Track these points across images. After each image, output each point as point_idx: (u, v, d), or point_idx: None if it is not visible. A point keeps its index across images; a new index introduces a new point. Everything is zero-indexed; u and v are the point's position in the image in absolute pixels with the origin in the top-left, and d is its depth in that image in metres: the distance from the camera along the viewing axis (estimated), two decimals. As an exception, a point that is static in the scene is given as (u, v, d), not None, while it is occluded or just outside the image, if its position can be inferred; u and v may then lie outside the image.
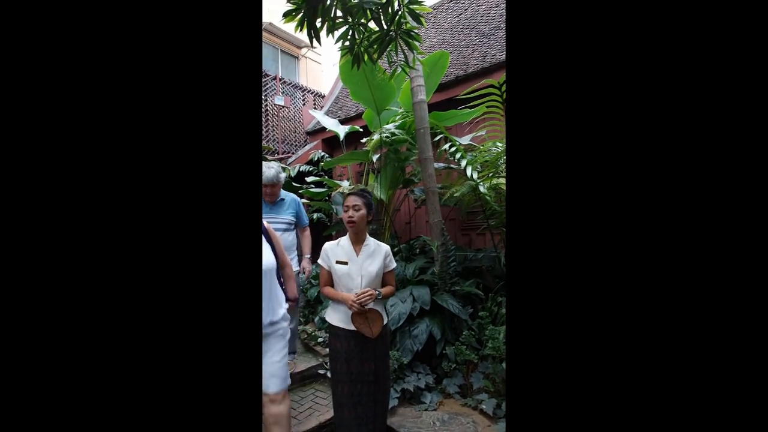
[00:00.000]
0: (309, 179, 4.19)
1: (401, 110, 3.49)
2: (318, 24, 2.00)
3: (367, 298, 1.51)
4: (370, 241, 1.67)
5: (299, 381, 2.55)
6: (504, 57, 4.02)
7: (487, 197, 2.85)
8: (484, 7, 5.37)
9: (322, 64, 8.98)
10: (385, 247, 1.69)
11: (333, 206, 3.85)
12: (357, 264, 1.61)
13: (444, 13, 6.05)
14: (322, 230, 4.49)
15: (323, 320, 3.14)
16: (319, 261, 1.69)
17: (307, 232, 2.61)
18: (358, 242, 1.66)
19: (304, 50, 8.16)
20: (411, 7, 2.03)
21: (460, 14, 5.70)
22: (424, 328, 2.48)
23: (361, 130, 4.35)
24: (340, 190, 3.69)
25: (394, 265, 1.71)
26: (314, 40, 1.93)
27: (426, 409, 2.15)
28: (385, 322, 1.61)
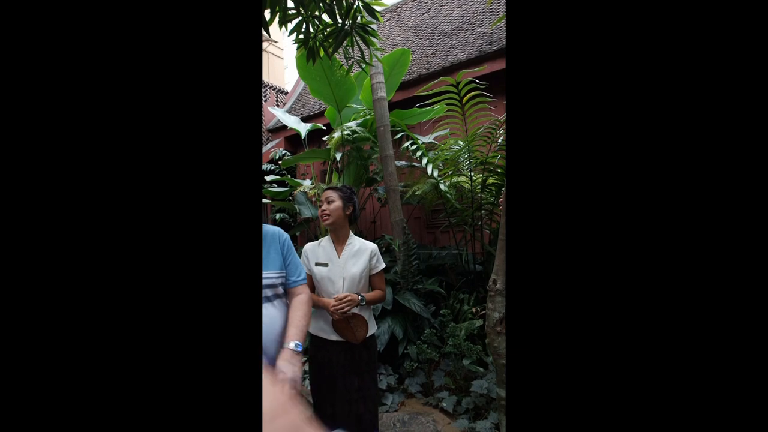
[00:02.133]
0: (269, 178, 4.04)
1: (363, 108, 3.44)
2: (268, 15, 1.91)
3: (346, 304, 1.35)
4: (355, 240, 1.51)
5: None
6: (465, 57, 4.08)
7: (448, 195, 2.87)
8: (446, 7, 5.43)
9: (284, 60, 8.73)
10: (371, 246, 1.51)
11: (296, 206, 3.73)
12: (338, 265, 1.45)
13: (408, 12, 6.06)
14: (286, 231, 4.36)
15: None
16: None
17: (303, 297, 1.18)
18: (339, 242, 1.49)
19: (265, 44, 7.89)
20: (366, 0, 1.98)
21: (423, 13, 5.73)
22: (386, 328, 2.45)
23: (324, 128, 4.25)
24: (302, 189, 3.58)
25: (382, 266, 1.52)
26: (263, 31, 1.83)
27: (387, 411, 2.13)
28: (370, 329, 1.46)
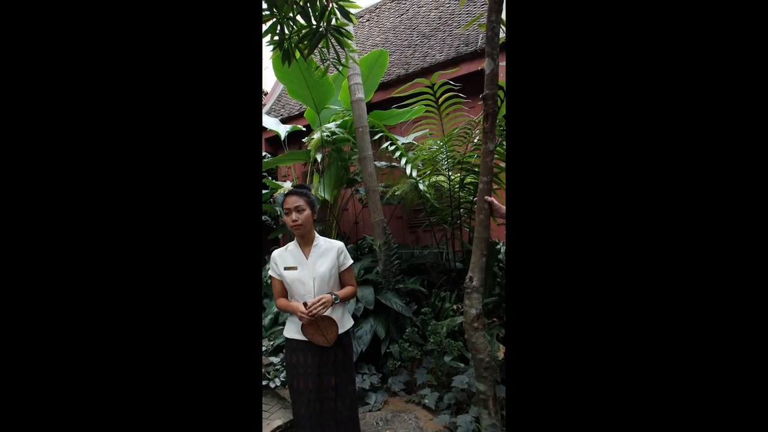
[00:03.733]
0: (249, 181, 3.98)
1: (342, 109, 3.44)
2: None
3: (320, 307, 1.35)
4: (320, 241, 1.54)
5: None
6: (442, 57, 4.13)
7: (427, 194, 2.90)
8: (424, 8, 5.48)
9: (264, 60, 8.61)
10: (338, 244, 1.55)
11: (277, 208, 3.70)
12: (307, 267, 1.47)
13: (386, 13, 6.09)
14: (267, 233, 4.30)
15: (266, 327, 3.01)
16: (269, 272, 1.54)
17: None
18: (306, 244, 1.52)
19: (244, 45, 7.75)
20: (340, 3, 1.99)
21: (402, 14, 5.76)
22: (368, 328, 2.46)
23: (304, 129, 4.23)
24: (282, 191, 3.55)
25: (350, 262, 1.57)
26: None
27: (370, 410, 2.14)
28: (340, 328, 1.47)
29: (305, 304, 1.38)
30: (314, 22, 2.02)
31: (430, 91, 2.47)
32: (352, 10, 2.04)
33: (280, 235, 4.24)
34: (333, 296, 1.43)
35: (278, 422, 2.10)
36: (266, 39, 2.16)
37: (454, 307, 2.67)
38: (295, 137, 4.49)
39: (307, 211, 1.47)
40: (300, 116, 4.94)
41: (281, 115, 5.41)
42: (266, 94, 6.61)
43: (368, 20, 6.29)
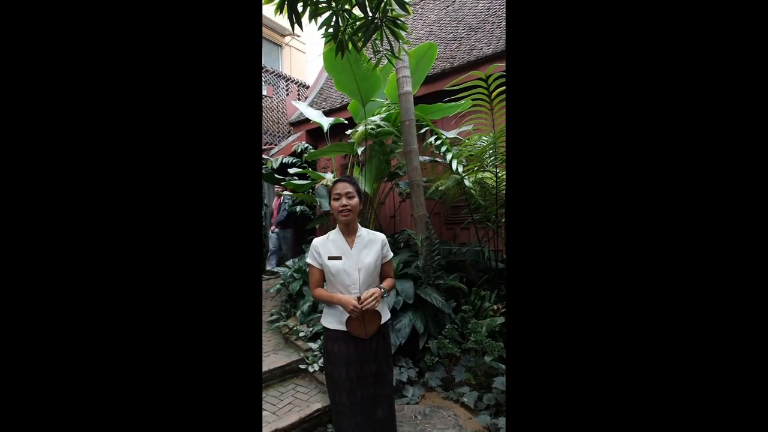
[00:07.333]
0: (292, 171, 4.10)
1: (387, 102, 3.44)
2: (300, 8, 1.92)
3: (374, 302, 1.36)
4: (363, 231, 1.54)
5: (280, 376, 2.50)
6: (490, 51, 4.00)
7: (472, 191, 2.85)
8: (471, 0, 5.33)
9: (306, 54, 8.77)
10: (381, 236, 1.54)
11: (317, 198, 3.78)
12: (352, 258, 1.46)
13: (431, 5, 5.98)
14: (306, 223, 4.42)
15: (305, 314, 3.10)
16: (308, 260, 1.52)
17: None
18: (350, 234, 1.51)
19: (287, 38, 7.95)
20: (397, -7, 1.97)
21: (447, 6, 5.64)
22: (407, 321, 2.47)
23: (346, 122, 4.27)
24: (324, 182, 3.62)
25: (391, 254, 1.56)
26: (296, 25, 1.85)
27: (408, 403, 2.15)
28: (383, 320, 1.48)
29: (358, 299, 1.38)
30: (370, 14, 2.02)
31: (484, 84, 2.40)
32: (407, 0, 2.02)
33: (317, 226, 4.34)
34: (382, 290, 1.43)
35: (317, 405, 2.16)
36: (321, 31, 2.19)
37: (494, 307, 2.61)
38: (334, 129, 4.55)
39: (356, 198, 1.48)
40: (342, 109, 4.99)
41: (323, 107, 5.49)
42: (308, 87, 6.74)
43: (412, 10, 6.22)
